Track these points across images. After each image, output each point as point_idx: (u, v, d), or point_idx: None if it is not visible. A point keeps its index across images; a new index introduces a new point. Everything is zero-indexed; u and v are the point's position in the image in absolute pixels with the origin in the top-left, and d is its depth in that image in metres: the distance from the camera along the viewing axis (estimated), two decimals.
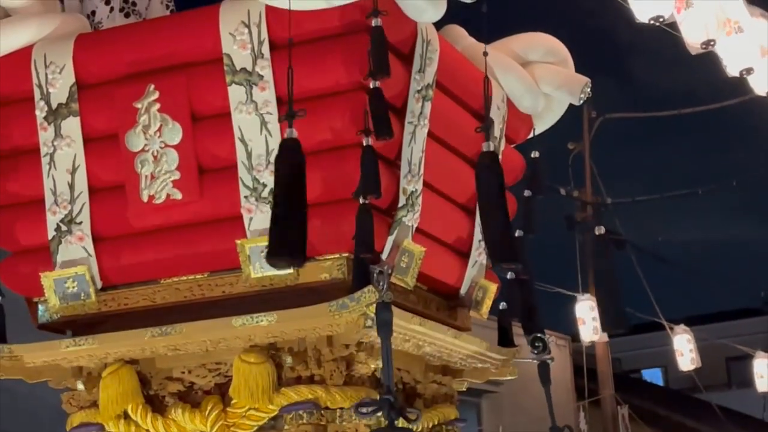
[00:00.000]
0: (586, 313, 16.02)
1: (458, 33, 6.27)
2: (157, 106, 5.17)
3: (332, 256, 5.03)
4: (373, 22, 4.80)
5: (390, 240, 5.14)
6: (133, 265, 5.31)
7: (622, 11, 6.69)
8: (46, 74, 5.32)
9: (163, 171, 5.17)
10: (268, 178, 5.00)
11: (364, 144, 4.81)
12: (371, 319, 4.72)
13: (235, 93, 5.05)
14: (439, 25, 6.10)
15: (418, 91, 5.25)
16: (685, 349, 16.99)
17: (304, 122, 4.98)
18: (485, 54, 5.11)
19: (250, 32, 5.03)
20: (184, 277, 5.27)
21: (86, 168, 5.30)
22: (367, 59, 4.82)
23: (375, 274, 4.72)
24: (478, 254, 5.91)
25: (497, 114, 5.99)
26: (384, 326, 4.62)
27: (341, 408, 5.05)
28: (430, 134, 5.45)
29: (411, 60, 5.24)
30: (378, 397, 4.66)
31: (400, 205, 5.17)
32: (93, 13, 5.75)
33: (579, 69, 6.48)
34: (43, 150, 5.34)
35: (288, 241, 4.49)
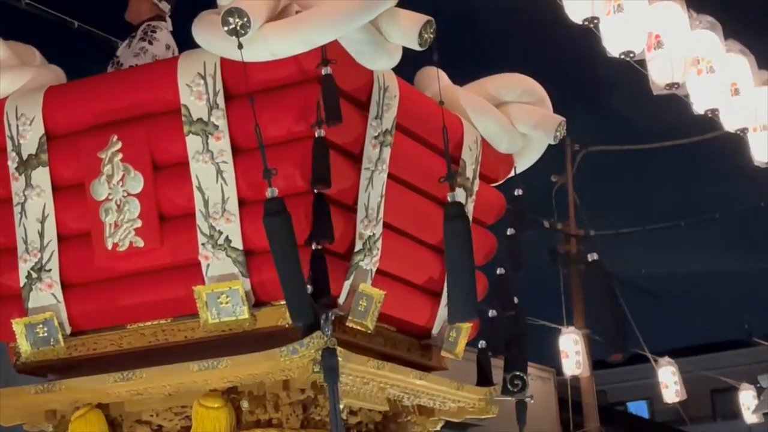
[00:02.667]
0: (570, 346, 16.10)
1: (433, 75, 6.33)
2: (120, 156, 5.31)
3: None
4: (323, 71, 4.90)
5: (347, 284, 5.22)
6: (100, 311, 5.44)
7: (602, 46, 6.77)
8: (17, 126, 5.48)
9: (125, 219, 5.30)
10: (224, 226, 5.12)
11: (315, 191, 4.91)
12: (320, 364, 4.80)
13: (193, 143, 5.17)
14: (415, 67, 6.23)
15: (375, 137, 5.33)
16: (669, 381, 17.02)
17: (259, 170, 5.11)
18: (441, 103, 5.19)
19: (206, 83, 5.15)
20: (149, 323, 5.39)
21: (55, 217, 5.45)
22: (317, 108, 4.93)
23: (322, 320, 4.81)
24: None
25: (469, 155, 6.05)
26: (329, 372, 4.72)
27: None
28: (395, 178, 5.53)
29: (368, 107, 5.32)
30: None
31: (356, 249, 5.25)
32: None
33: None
34: (15, 199, 5.50)
35: (305, 303, 4.67)
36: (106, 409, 5.50)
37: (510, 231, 6.33)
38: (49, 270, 5.44)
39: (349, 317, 5.24)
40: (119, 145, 5.32)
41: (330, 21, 4.88)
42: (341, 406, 5.24)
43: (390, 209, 5.48)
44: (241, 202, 5.13)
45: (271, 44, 4.87)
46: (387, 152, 5.40)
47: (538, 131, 6.32)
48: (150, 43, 5.88)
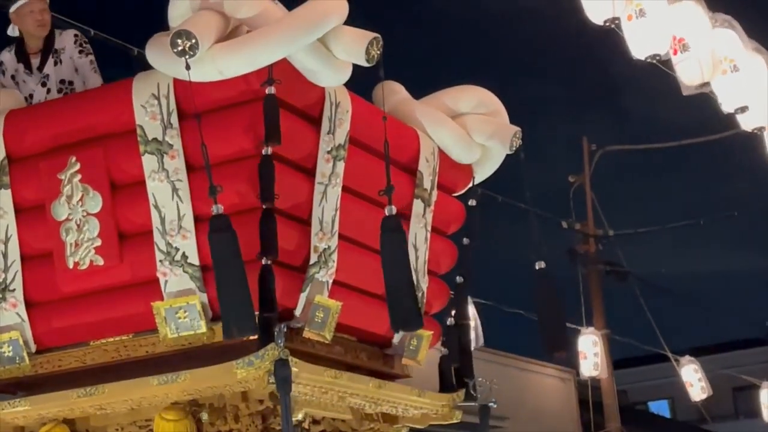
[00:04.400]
0: (589, 347, 16.12)
1: (390, 89, 6.46)
2: (79, 176, 5.43)
3: None
4: (267, 90, 5.03)
5: (303, 296, 5.34)
6: (64, 328, 5.56)
7: (621, 46, 6.95)
8: None
9: (85, 238, 5.42)
10: (181, 242, 5.23)
11: (264, 207, 5.03)
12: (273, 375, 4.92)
13: (148, 162, 5.29)
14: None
15: (328, 152, 5.45)
16: (693, 379, 17.03)
17: None
18: (384, 118, 5.31)
19: (159, 104, 5.27)
20: (111, 339, 5.51)
21: (18, 237, 5.57)
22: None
23: (275, 332, 4.93)
24: None
25: (426, 166, 6.18)
26: (282, 382, 4.84)
27: None
28: (351, 191, 5.66)
29: (320, 122, 5.44)
30: None
31: (311, 262, 5.37)
32: (31, 96, 6.03)
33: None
34: None
35: (242, 318, 4.78)
36: (72, 425, 5.62)
37: (465, 241, 6.47)
38: (13, 290, 5.56)
39: (306, 328, 5.36)
40: (78, 166, 5.44)
41: (276, 41, 5.02)
42: (300, 416, 5.38)
43: (347, 222, 5.60)
44: (197, 219, 5.25)
45: (220, 64, 5.00)
46: (341, 166, 5.52)
47: (494, 141, 6.44)
48: (92, 53, 6.02)
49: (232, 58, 5.00)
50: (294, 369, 5.00)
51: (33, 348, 5.60)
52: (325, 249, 5.42)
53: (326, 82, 5.34)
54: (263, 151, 5.00)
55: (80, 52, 6.02)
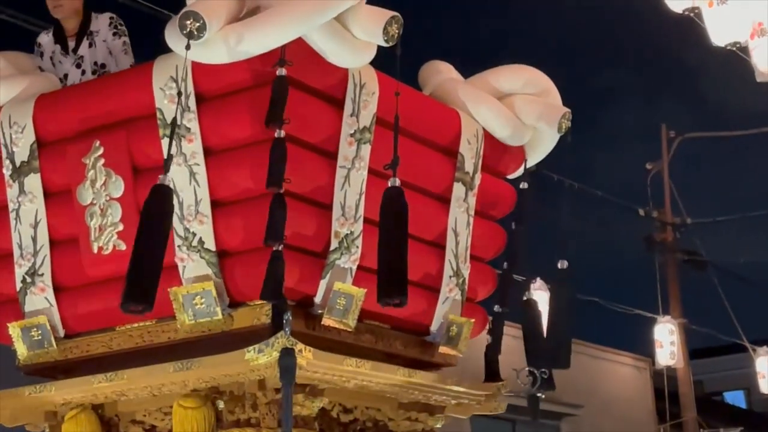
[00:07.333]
0: (665, 336, 15.84)
1: (435, 68, 6.31)
2: (102, 161, 5.40)
3: (261, 302, 5.13)
4: (278, 72, 4.90)
5: (323, 283, 5.21)
6: (90, 313, 5.54)
7: (697, 32, 6.80)
8: (11, 134, 5.61)
9: (108, 223, 5.39)
10: (197, 228, 5.15)
11: (275, 192, 4.90)
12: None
13: (168, 146, 5.20)
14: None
15: (351, 135, 5.30)
16: (767, 371, 16.59)
17: (230, 171, 5.16)
18: (397, 94, 5.13)
19: (177, 86, 5.18)
20: (136, 325, 5.46)
21: (47, 222, 5.57)
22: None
23: (284, 320, 4.82)
24: (449, 290, 5.89)
25: (468, 149, 5.98)
26: (286, 372, 4.71)
27: None
28: (382, 175, 5.48)
29: (343, 104, 5.29)
30: None
31: (332, 248, 5.23)
32: (65, 76, 6.03)
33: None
34: (10, 206, 5.63)
35: (142, 288, 4.62)
36: (102, 410, 5.61)
37: (513, 226, 6.26)
38: (42, 274, 5.56)
39: (326, 315, 5.23)
40: (101, 150, 5.40)
41: (288, 21, 4.89)
42: (320, 404, 5.27)
43: (377, 206, 5.44)
44: (214, 204, 5.16)
45: (230, 45, 4.89)
46: (366, 149, 5.36)
47: (541, 122, 6.21)
48: (126, 35, 5.98)
49: (242, 39, 4.88)
50: (309, 357, 4.89)
51: (62, 333, 5.59)
52: (347, 234, 5.28)
53: (345, 63, 5.18)
54: (276, 134, 4.86)
55: (114, 34, 5.99)
